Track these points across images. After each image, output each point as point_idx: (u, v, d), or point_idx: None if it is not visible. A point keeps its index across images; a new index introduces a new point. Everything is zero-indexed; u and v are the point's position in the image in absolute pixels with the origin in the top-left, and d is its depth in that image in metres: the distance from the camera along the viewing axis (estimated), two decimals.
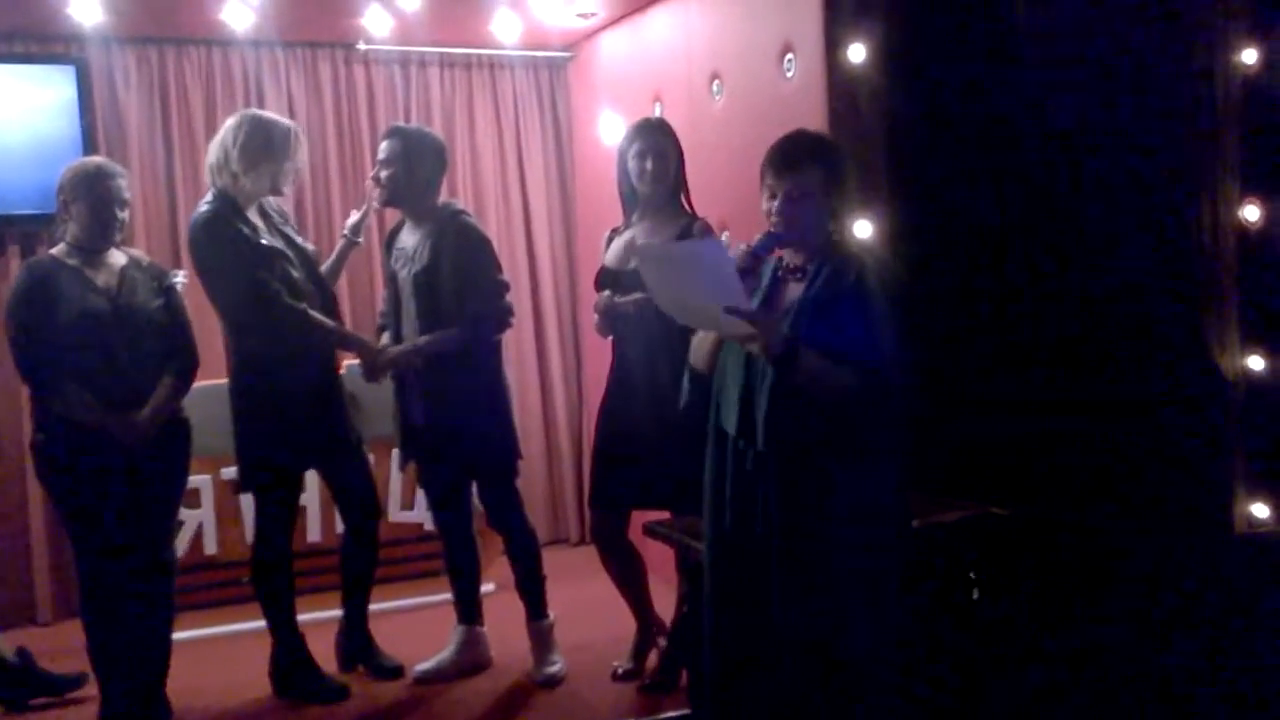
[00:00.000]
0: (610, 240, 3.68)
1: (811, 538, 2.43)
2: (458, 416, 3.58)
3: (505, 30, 4.91)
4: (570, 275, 5.61)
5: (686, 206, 3.60)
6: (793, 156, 2.50)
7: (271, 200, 3.67)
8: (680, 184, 3.59)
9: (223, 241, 3.45)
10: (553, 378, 5.58)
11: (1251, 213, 3.49)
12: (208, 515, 4.47)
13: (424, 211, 3.66)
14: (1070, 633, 3.10)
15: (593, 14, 4.84)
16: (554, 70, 5.57)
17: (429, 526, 4.76)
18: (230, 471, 4.33)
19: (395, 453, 4.58)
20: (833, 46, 3.51)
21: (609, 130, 5.02)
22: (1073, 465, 3.25)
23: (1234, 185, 3.48)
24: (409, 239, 3.68)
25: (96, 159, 3.61)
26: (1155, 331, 3.41)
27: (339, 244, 3.94)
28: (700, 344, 2.65)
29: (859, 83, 3.49)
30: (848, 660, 2.45)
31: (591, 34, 5.18)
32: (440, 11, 4.62)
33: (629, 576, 3.67)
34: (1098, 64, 3.50)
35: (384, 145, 3.65)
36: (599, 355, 5.32)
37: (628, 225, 3.63)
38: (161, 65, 4.95)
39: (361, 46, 5.15)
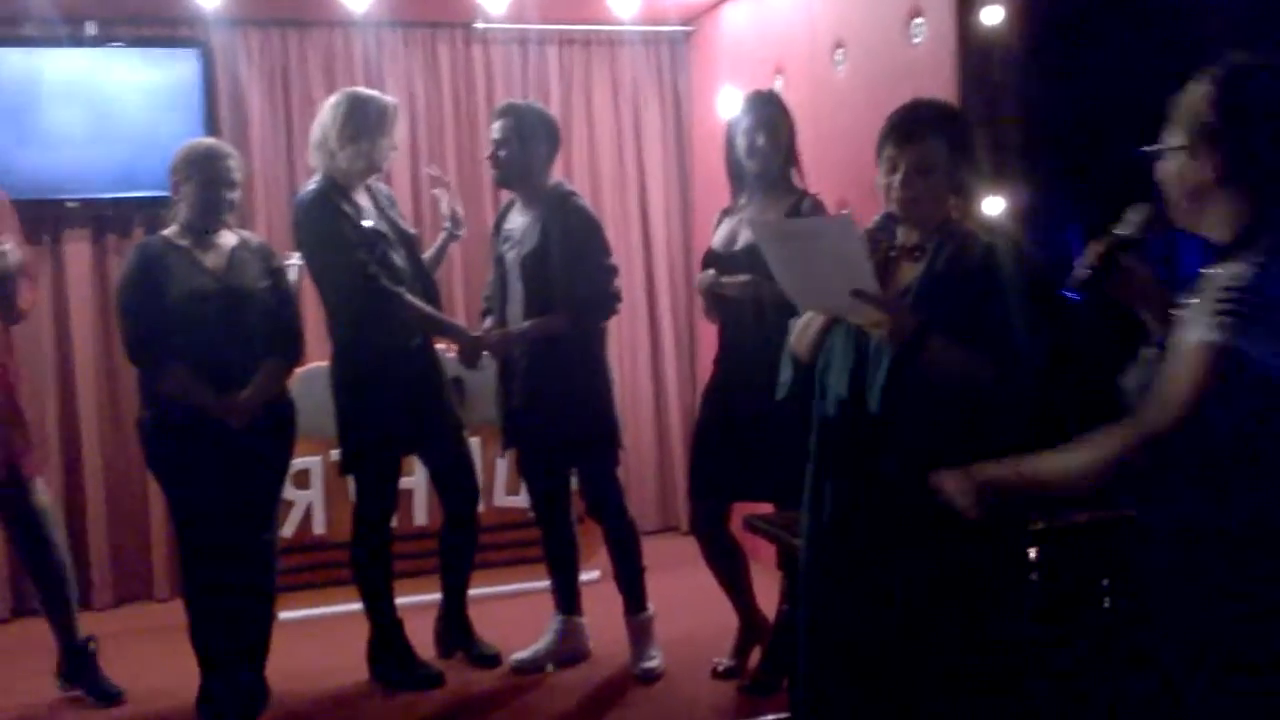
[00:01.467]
0: (720, 221, 3.51)
1: (926, 525, 2.18)
2: (558, 402, 3.47)
3: (623, 5, 4.77)
4: (686, 257, 5.44)
5: (798, 182, 3.40)
6: (915, 126, 2.28)
7: (382, 186, 3.62)
8: (791, 159, 3.40)
9: (323, 221, 3.41)
10: (666, 362, 5.43)
11: None
12: (317, 496, 4.46)
13: (536, 192, 3.54)
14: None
15: None
16: (673, 46, 5.40)
17: (533, 513, 4.70)
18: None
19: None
20: (965, 8, 3.24)
21: (728, 106, 4.84)
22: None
23: None
24: (518, 220, 3.58)
25: (208, 140, 3.60)
26: None
27: (440, 236, 3.86)
28: (805, 328, 2.46)
29: (993, 48, 3.22)
30: (958, 667, 2.24)
31: (711, 7, 5.00)
32: None
33: (730, 570, 3.50)
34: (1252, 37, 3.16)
35: (497, 124, 3.55)
36: (713, 340, 5.15)
37: (736, 204, 3.44)
38: (284, 48, 4.96)
39: (479, 25, 5.08)
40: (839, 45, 3.97)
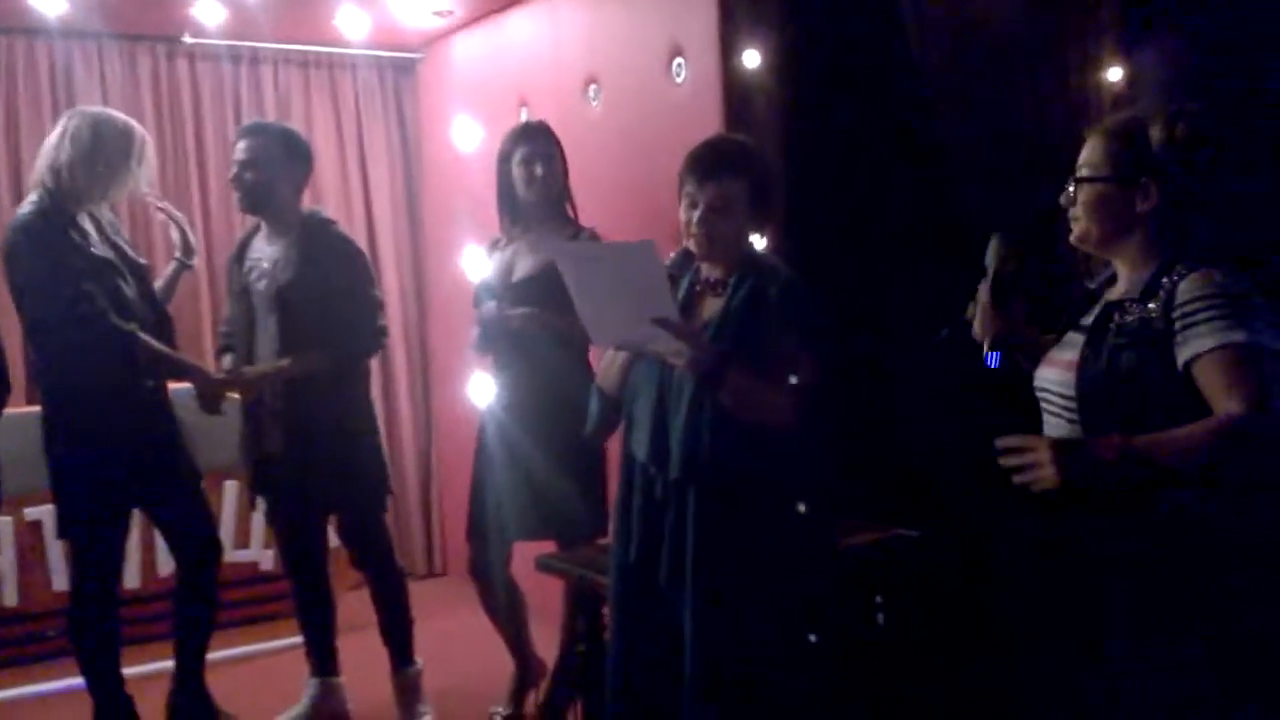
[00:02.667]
0: (491, 253, 3.40)
1: (729, 569, 2.23)
2: (323, 445, 3.22)
3: (352, 27, 4.56)
4: (417, 290, 5.26)
5: (572, 215, 3.37)
6: (715, 164, 2.28)
7: (106, 211, 3.23)
8: (566, 191, 3.35)
9: (46, 248, 3.00)
10: (399, 401, 5.21)
11: None
12: (7, 561, 3.90)
13: (286, 219, 3.28)
14: (980, 658, 3.00)
15: (449, 11, 4.55)
16: (400, 72, 5.23)
17: (266, 566, 4.36)
18: (35, 511, 3.83)
19: (229, 485, 4.20)
20: (728, 51, 3.35)
21: (465, 137, 4.73)
22: (992, 482, 3.15)
23: None
24: (267, 249, 3.30)
25: None
26: None
27: (169, 267, 3.50)
28: (610, 363, 2.44)
29: (755, 89, 3.33)
30: (764, 700, 2.26)
31: (443, 35, 4.88)
32: (282, 4, 4.24)
33: (510, 613, 3.38)
34: (988, 70, 3.50)
35: (241, 144, 3.26)
36: (448, 377, 5.03)
37: (509, 237, 3.36)
38: None
39: (187, 39, 4.69)
40: (592, 80, 3.98)
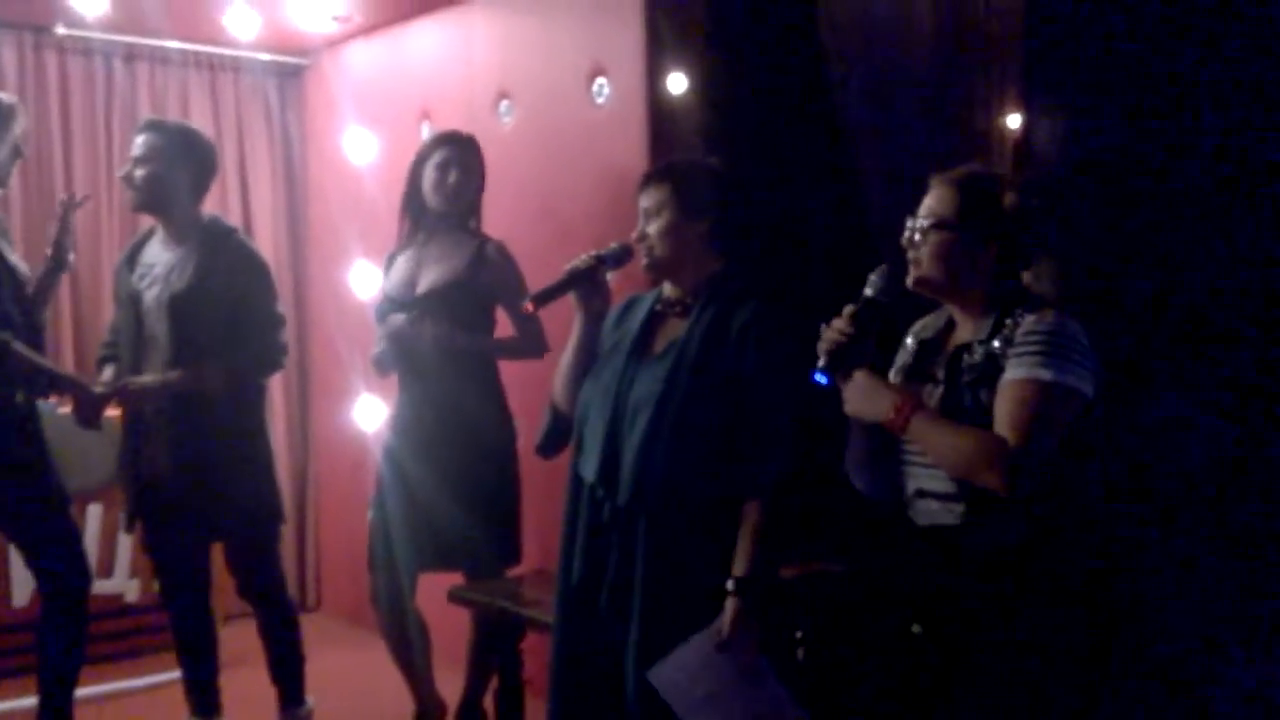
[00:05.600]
0: (390, 263, 3.27)
1: (676, 599, 2.18)
2: (211, 468, 3.01)
3: (242, 27, 4.33)
4: (297, 307, 5.02)
5: (475, 229, 3.26)
6: (646, 176, 2.32)
7: None
8: (475, 205, 3.25)
9: None
10: (274, 422, 4.95)
11: None
12: None
13: (183, 224, 3.08)
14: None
15: (347, 18, 4.37)
16: (283, 79, 5.01)
17: (130, 598, 4.07)
18: None
19: (93, 509, 3.91)
20: (653, 73, 3.30)
21: (358, 148, 4.56)
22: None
23: None
24: (162, 255, 3.08)
25: None
26: None
27: (42, 268, 3.23)
28: (561, 376, 2.39)
29: (679, 113, 3.30)
30: None
31: (335, 42, 4.70)
32: None
33: (414, 650, 3.21)
34: (900, 102, 3.58)
35: (139, 139, 3.06)
36: (329, 398, 4.79)
37: (413, 242, 3.22)
38: None
39: (60, 30, 4.38)
40: (504, 96, 3.87)
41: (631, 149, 3.33)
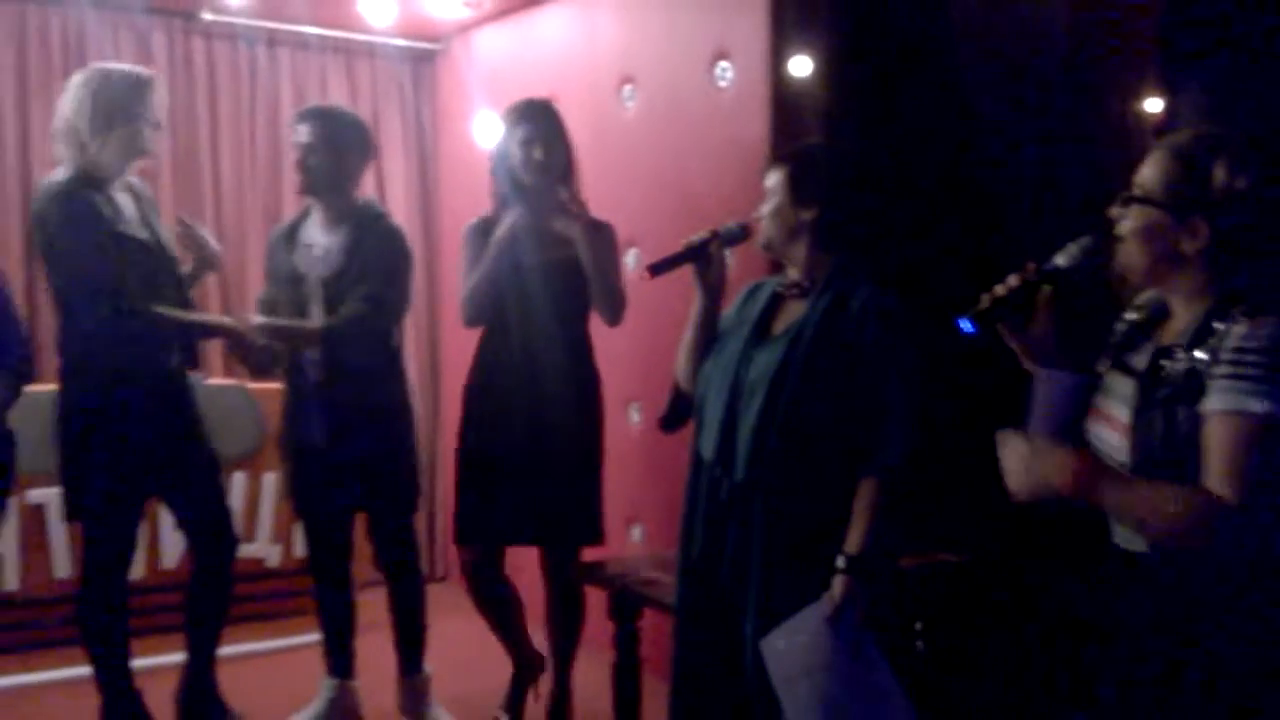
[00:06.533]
0: (479, 236, 3.20)
1: (792, 575, 2.21)
2: (362, 443, 3.15)
3: (378, 13, 4.48)
4: (430, 285, 5.17)
5: (570, 201, 3.17)
6: (772, 156, 2.40)
7: (146, 189, 3.14)
8: (568, 176, 3.18)
9: (78, 222, 2.89)
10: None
11: None
12: (9, 545, 3.78)
13: (343, 207, 3.18)
14: (1019, 687, 2.97)
15: (479, 3, 4.47)
16: (419, 62, 5.14)
17: (272, 563, 4.27)
18: (38, 494, 3.73)
19: (237, 477, 4.11)
20: (777, 56, 3.29)
21: (486, 132, 4.67)
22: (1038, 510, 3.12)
23: None
24: (321, 238, 3.19)
25: None
26: None
27: (193, 263, 3.33)
28: (683, 353, 2.43)
29: (803, 97, 3.29)
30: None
31: (466, 27, 4.80)
32: None
33: (506, 618, 3.28)
34: (1035, 84, 3.49)
35: (303, 128, 3.17)
36: (459, 379, 4.89)
37: (501, 217, 3.17)
38: None
39: (206, 16, 4.59)
40: (627, 80, 3.92)
41: (753, 132, 3.33)
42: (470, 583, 3.26)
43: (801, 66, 3.33)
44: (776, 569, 2.21)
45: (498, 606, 3.27)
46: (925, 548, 2.91)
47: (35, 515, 3.83)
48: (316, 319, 3.14)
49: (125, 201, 3.02)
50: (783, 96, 3.31)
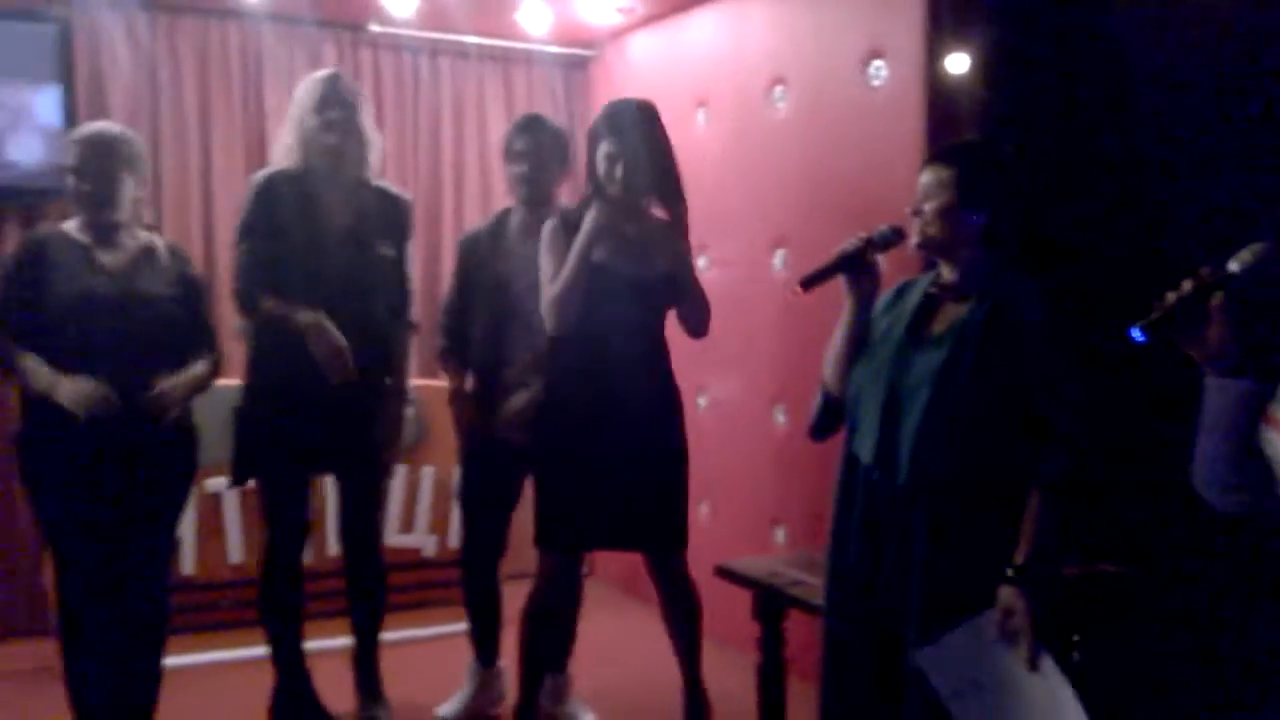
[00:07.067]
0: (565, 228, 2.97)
1: (954, 582, 2.15)
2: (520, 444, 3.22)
3: (534, 21, 4.59)
4: None
5: (661, 210, 3.01)
6: (932, 154, 2.27)
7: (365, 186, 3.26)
8: (665, 179, 2.97)
9: (268, 205, 3.13)
10: None
11: None
12: (187, 532, 4.01)
13: (547, 215, 3.14)
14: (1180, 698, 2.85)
15: (631, 9, 4.54)
16: (573, 69, 5.25)
17: (427, 553, 4.41)
18: (215, 483, 3.93)
19: (398, 469, 4.25)
20: (933, 54, 3.24)
21: None
22: (1197, 518, 2.99)
23: None
24: (523, 243, 3.24)
25: (100, 125, 3.14)
26: None
27: None
28: (831, 358, 2.37)
29: (960, 95, 3.22)
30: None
31: (619, 33, 4.88)
32: None
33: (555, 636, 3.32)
34: (1210, 81, 3.32)
35: (525, 137, 3.26)
36: None
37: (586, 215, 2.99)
38: (151, 35, 4.51)
39: (373, 28, 4.78)
40: (778, 81, 3.91)
41: (908, 132, 3.29)
42: (548, 589, 3.10)
43: (958, 64, 3.27)
44: (940, 576, 2.15)
45: (557, 619, 3.24)
46: (1087, 556, 2.82)
47: (212, 503, 4.04)
48: (523, 326, 3.20)
49: (333, 197, 3.21)
50: (938, 95, 3.26)
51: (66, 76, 4.24)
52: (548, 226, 2.98)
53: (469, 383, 3.41)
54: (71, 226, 2.93)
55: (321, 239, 3.11)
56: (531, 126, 3.32)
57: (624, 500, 2.94)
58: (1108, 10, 3.26)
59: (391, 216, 3.26)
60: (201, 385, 2.98)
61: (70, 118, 4.18)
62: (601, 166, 2.92)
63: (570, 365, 2.98)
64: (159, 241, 3.03)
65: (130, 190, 2.94)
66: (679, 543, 3.03)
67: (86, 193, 2.89)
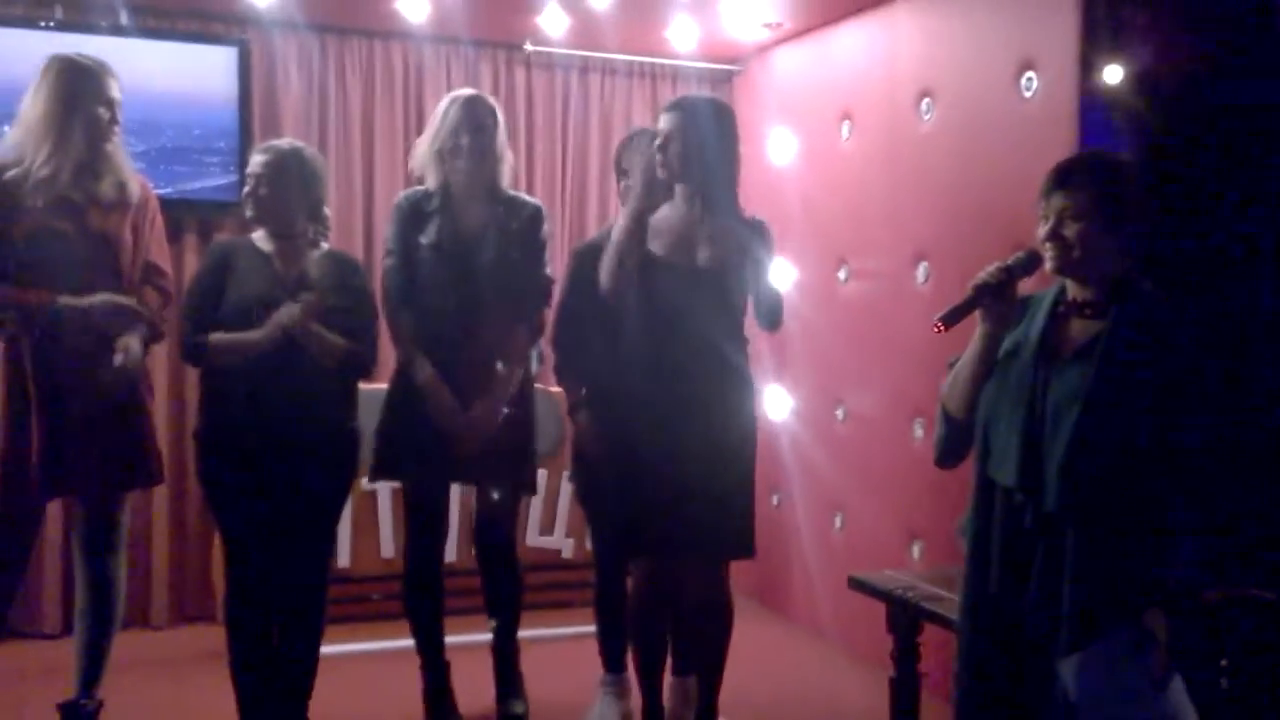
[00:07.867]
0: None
1: (1104, 605, 2.10)
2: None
3: (682, 38, 4.67)
4: None
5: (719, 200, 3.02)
6: (1064, 175, 2.18)
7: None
8: (722, 178, 3.02)
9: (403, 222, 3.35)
10: None
11: None
12: (343, 527, 4.21)
13: None
14: None
15: (778, 24, 4.57)
16: (716, 84, 5.30)
17: (566, 554, 4.52)
18: (367, 482, 4.10)
19: (540, 473, 4.36)
20: (1088, 65, 3.19)
21: (780, 150, 4.77)
22: None
23: None
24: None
25: (284, 141, 3.34)
26: None
27: None
28: (954, 380, 2.33)
29: (1114, 106, 3.16)
30: None
31: (765, 48, 4.92)
32: (620, 14, 4.38)
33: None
34: None
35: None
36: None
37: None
38: (322, 55, 4.76)
39: (528, 47, 4.94)
40: (925, 94, 3.89)
41: (1060, 144, 3.22)
42: (650, 595, 3.19)
43: (1113, 75, 3.21)
44: (1088, 596, 2.11)
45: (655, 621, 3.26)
46: (1235, 581, 2.72)
47: (367, 500, 4.24)
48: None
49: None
50: (1091, 107, 3.19)
51: (244, 95, 4.52)
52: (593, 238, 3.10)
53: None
54: (258, 236, 3.14)
55: (458, 251, 3.27)
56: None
57: (678, 504, 2.93)
58: (1270, 16, 3.14)
59: (521, 223, 3.35)
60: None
61: (246, 135, 4.44)
62: (656, 143, 2.96)
63: (631, 359, 3.02)
64: (335, 253, 3.23)
65: (308, 203, 3.12)
66: (739, 553, 3.02)
67: (267, 205, 3.08)
